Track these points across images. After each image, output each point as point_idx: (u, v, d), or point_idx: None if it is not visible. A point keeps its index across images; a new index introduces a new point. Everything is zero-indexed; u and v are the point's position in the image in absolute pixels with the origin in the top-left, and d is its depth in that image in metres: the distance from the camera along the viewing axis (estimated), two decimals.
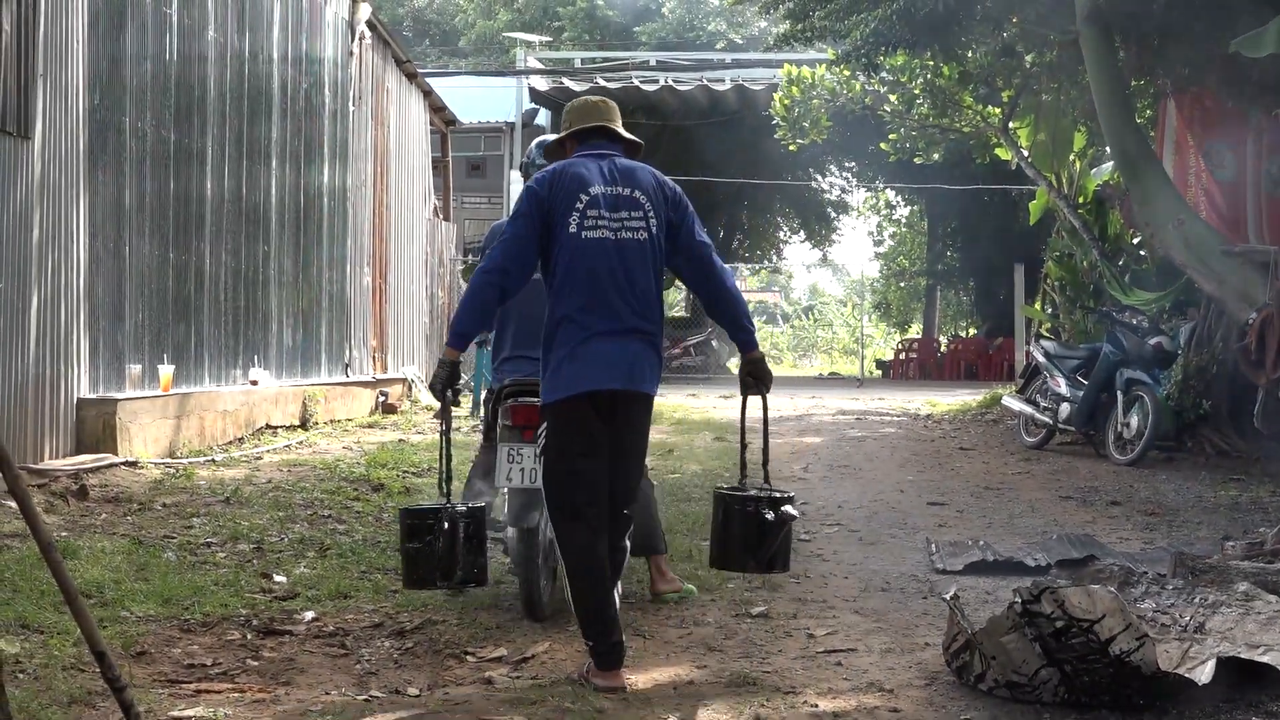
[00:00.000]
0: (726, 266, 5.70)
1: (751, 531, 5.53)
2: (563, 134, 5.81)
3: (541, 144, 6.83)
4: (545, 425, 5.49)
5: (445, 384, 5.46)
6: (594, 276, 5.34)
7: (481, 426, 6.83)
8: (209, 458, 11.15)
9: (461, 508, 5.47)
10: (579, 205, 5.37)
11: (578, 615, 5.34)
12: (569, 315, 5.36)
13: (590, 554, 5.32)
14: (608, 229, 5.37)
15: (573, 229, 5.35)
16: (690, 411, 18.93)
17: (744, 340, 5.69)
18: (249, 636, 5.82)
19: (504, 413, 6.25)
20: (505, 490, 6.25)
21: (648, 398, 5.50)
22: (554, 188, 5.42)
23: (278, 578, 6.98)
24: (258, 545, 7.82)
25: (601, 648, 5.20)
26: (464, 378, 18.70)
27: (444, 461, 5.56)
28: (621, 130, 5.76)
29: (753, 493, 5.62)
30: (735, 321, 5.65)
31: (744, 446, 5.77)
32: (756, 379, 5.73)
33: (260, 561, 7.41)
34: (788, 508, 5.54)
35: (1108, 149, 15.80)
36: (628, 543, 5.59)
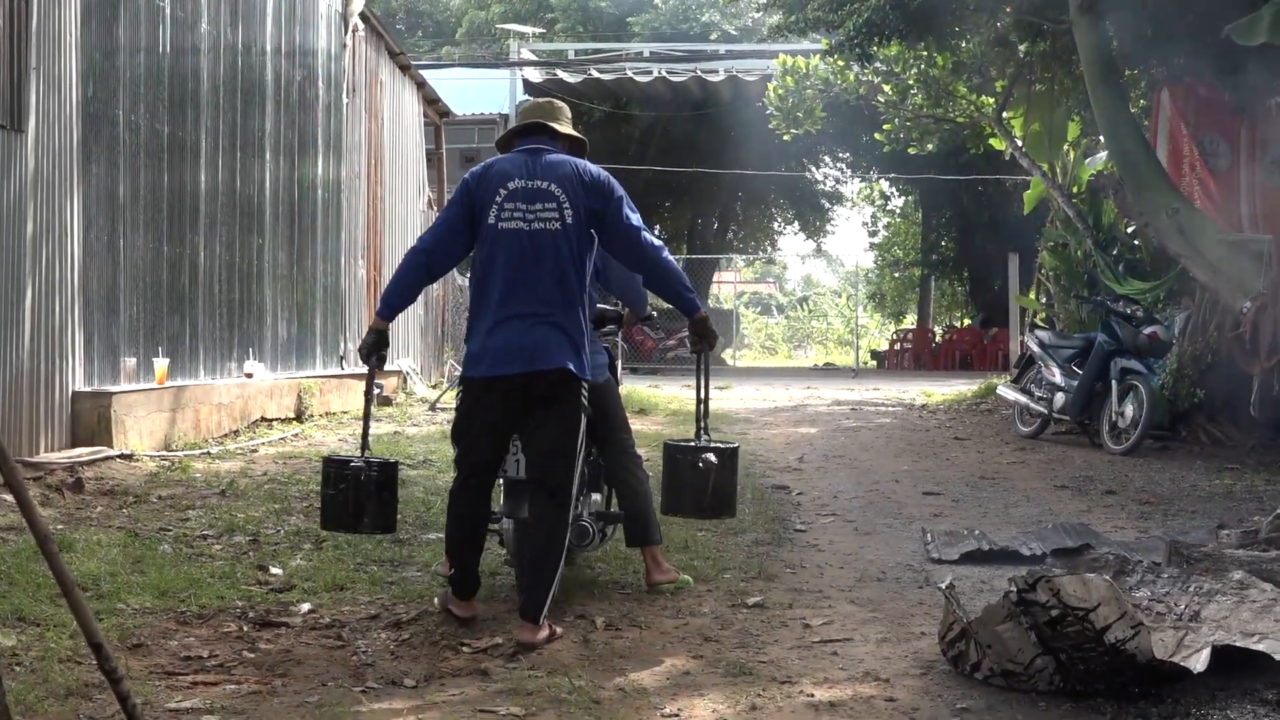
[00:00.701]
0: (658, 242, 6.05)
1: (692, 479, 6.11)
2: (507, 131, 6.29)
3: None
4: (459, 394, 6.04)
5: (371, 349, 5.99)
6: (506, 266, 5.77)
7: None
8: (204, 450, 11.14)
9: (375, 461, 5.97)
10: (499, 198, 5.81)
11: (446, 551, 6.11)
12: (484, 301, 5.83)
13: (467, 515, 5.96)
14: (521, 220, 5.77)
15: (491, 220, 5.80)
16: (685, 403, 18.89)
17: (685, 306, 6.09)
18: (245, 628, 5.82)
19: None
20: (501, 481, 6.26)
21: (561, 375, 5.78)
22: (481, 181, 5.89)
23: (274, 570, 6.99)
24: (254, 537, 7.82)
25: (457, 577, 5.97)
26: (458, 370, 18.73)
27: (366, 420, 6.20)
28: (559, 128, 6.14)
29: (693, 444, 6.19)
30: (673, 291, 6.04)
31: (700, 402, 6.29)
32: (701, 338, 6.18)
33: (256, 554, 7.41)
34: (709, 455, 6.07)
35: (1102, 139, 15.82)
36: (564, 518, 5.85)
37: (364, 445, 6.08)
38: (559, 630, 5.78)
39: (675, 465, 6.23)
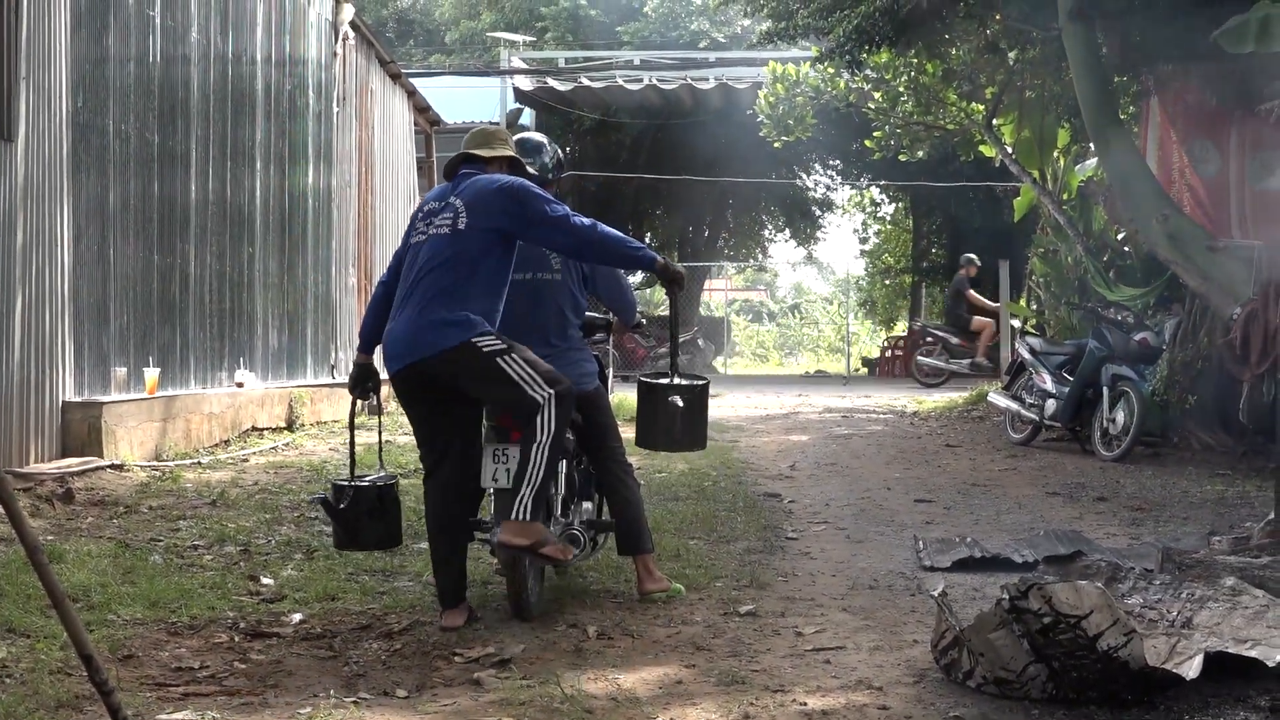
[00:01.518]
0: (587, 221, 6.13)
1: (664, 413, 6.42)
2: (450, 160, 6.60)
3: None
4: None
5: (355, 383, 6.54)
6: (406, 273, 6.21)
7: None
8: (195, 460, 11.13)
9: (376, 479, 6.42)
10: (417, 220, 6.31)
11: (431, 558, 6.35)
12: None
13: (440, 510, 6.26)
14: (422, 233, 6.22)
15: (412, 240, 6.30)
16: None
17: (640, 264, 6.35)
18: (236, 639, 5.81)
19: (489, 414, 6.34)
20: (491, 491, 6.26)
21: (447, 353, 5.99)
22: (417, 212, 6.39)
23: (265, 580, 6.98)
24: (245, 548, 7.81)
25: (440, 587, 6.21)
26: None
27: (352, 447, 6.74)
28: (483, 153, 6.44)
29: (663, 381, 6.50)
30: (622, 256, 6.28)
31: (673, 339, 6.56)
32: (668, 282, 6.42)
33: (247, 564, 7.40)
34: (675, 398, 6.38)
35: (1091, 145, 15.83)
36: (539, 428, 6.00)
37: (353, 473, 6.58)
38: (554, 545, 6.00)
39: (647, 400, 6.54)
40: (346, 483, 6.41)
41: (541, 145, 7.02)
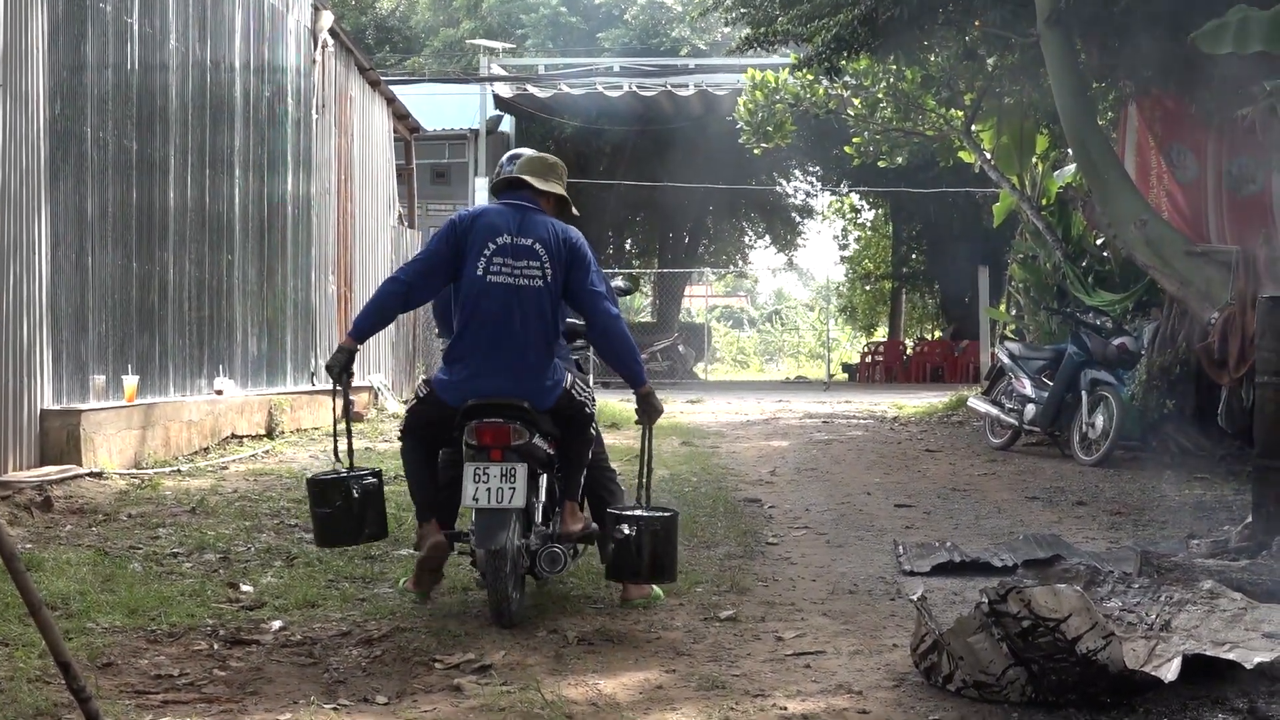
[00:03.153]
0: (615, 310, 6.53)
1: (628, 546, 6.17)
2: (501, 179, 6.78)
3: (513, 157, 7.15)
4: None
5: (341, 367, 6.37)
6: (486, 314, 6.33)
7: (408, 454, 6.86)
8: (174, 468, 11.10)
9: (359, 472, 6.47)
10: (488, 251, 6.34)
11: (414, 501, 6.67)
12: (467, 346, 6.40)
13: (415, 447, 6.66)
14: (509, 275, 6.33)
15: (480, 271, 6.33)
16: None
17: (631, 378, 6.54)
18: (216, 646, 5.79)
19: (470, 432, 6.29)
20: (473, 513, 6.26)
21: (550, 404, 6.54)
22: (471, 229, 6.39)
23: (244, 587, 6.95)
24: (224, 555, 7.79)
25: (421, 501, 6.56)
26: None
27: (345, 437, 6.58)
28: (542, 185, 6.61)
29: (630, 512, 6.28)
30: (622, 360, 6.52)
31: (643, 468, 6.47)
32: (643, 412, 6.60)
33: (227, 571, 7.38)
34: (623, 527, 6.16)
35: (1070, 151, 15.89)
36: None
37: (348, 458, 6.52)
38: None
39: (615, 530, 6.22)
40: (332, 475, 6.46)
41: (559, 165, 6.90)
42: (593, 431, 6.92)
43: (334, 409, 6.68)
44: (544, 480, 6.62)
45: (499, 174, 7.06)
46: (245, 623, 6.20)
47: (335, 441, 6.64)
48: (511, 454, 6.20)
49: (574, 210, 6.86)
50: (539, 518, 6.54)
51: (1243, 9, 10.52)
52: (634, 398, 6.62)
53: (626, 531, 6.16)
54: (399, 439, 6.81)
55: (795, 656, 5.71)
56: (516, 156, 7.04)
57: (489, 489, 6.12)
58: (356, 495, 6.37)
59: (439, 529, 6.45)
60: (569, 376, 6.59)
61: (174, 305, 12.50)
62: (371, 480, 6.45)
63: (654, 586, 6.85)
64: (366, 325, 6.48)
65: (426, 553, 6.43)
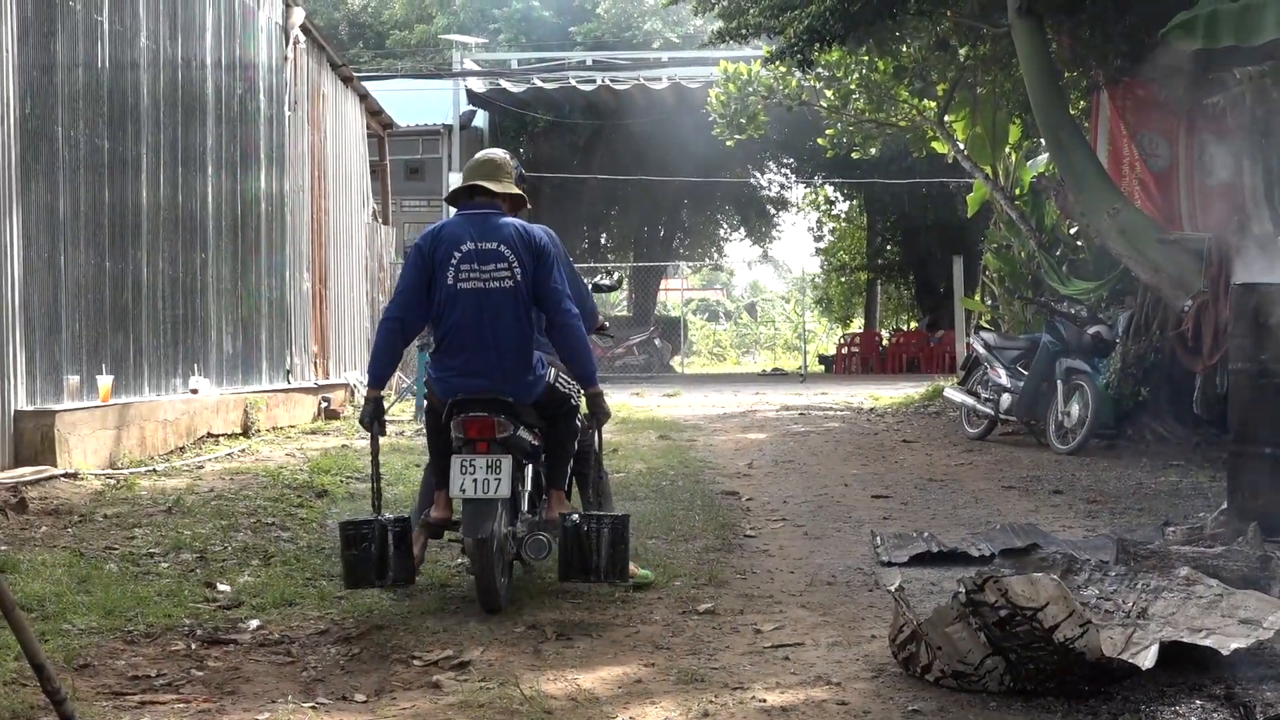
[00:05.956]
0: (575, 309, 6.69)
1: (583, 544, 6.39)
2: (454, 190, 7.01)
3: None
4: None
5: (371, 418, 6.66)
6: (461, 319, 6.56)
7: (427, 437, 7.03)
8: (150, 468, 11.05)
9: (389, 518, 6.47)
10: (454, 260, 6.56)
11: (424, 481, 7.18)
12: (449, 350, 6.65)
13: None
14: (479, 281, 6.54)
15: (450, 280, 6.56)
16: (634, 411, 18.94)
17: (582, 377, 6.74)
18: (193, 646, 5.76)
19: (457, 425, 6.47)
20: (461, 503, 6.46)
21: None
22: (434, 244, 6.63)
23: (221, 587, 6.93)
24: (201, 555, 7.76)
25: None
26: (405, 381, 18.67)
27: (375, 481, 6.77)
28: (496, 187, 6.82)
29: (585, 514, 6.52)
30: (574, 358, 6.67)
31: (595, 469, 6.96)
32: (592, 413, 6.79)
33: (204, 571, 7.35)
34: (542, 534, 6.51)
35: (1043, 141, 15.92)
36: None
37: (377, 507, 6.67)
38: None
39: (567, 535, 6.40)
40: (370, 518, 6.51)
41: (507, 162, 7.12)
42: (577, 423, 7.07)
43: (372, 459, 6.83)
44: (530, 470, 6.85)
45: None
46: (222, 622, 6.18)
47: (374, 487, 6.75)
48: (497, 446, 6.39)
49: (528, 205, 7.15)
50: (525, 506, 6.76)
51: (1212, 1, 10.54)
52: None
53: (545, 542, 6.49)
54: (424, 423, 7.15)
55: (774, 649, 5.71)
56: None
57: (475, 480, 6.33)
58: (389, 540, 6.42)
59: (448, 505, 6.79)
60: (552, 371, 6.77)
61: (148, 304, 12.45)
62: (395, 528, 6.47)
63: (643, 569, 7.05)
64: (381, 370, 6.81)
65: (438, 514, 6.84)
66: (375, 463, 6.80)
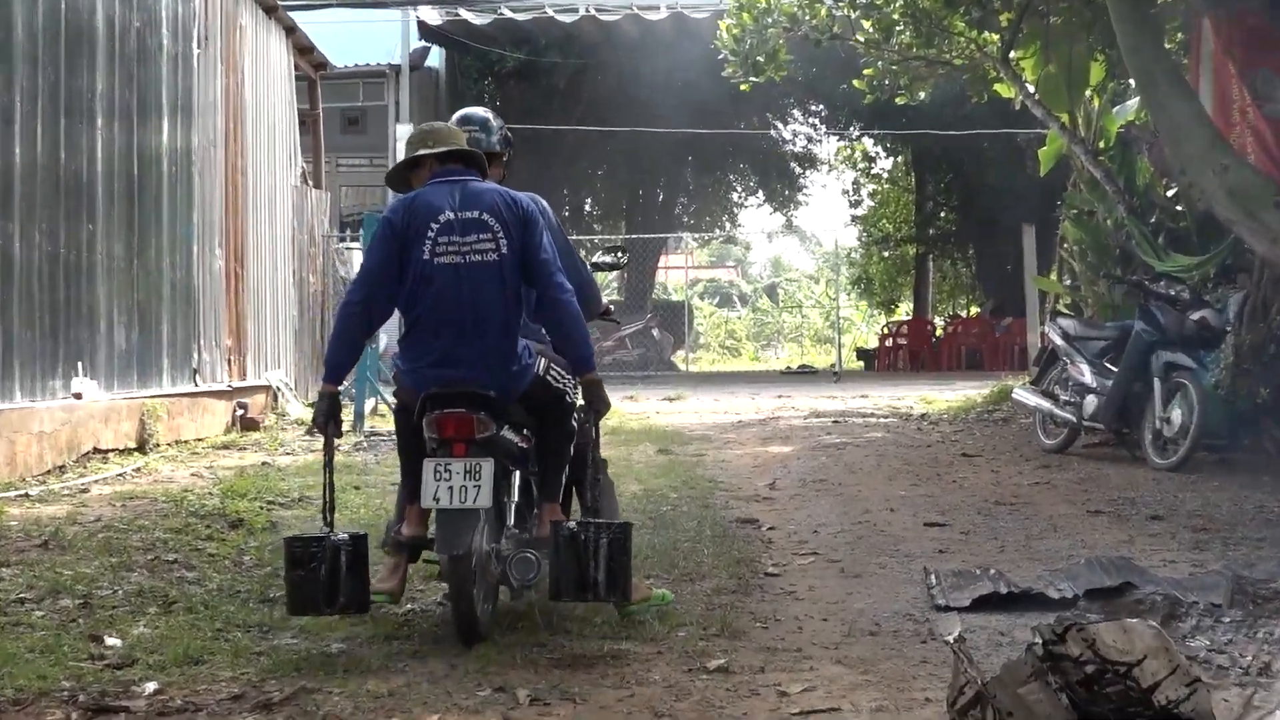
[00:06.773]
0: (569, 285, 6.96)
1: (578, 559, 6.57)
2: (398, 164, 7.34)
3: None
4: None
5: (326, 416, 6.84)
6: (438, 298, 6.81)
7: (397, 440, 7.37)
8: (21, 491, 11.04)
9: (343, 536, 6.63)
10: (431, 232, 6.81)
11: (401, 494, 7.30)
12: (422, 333, 6.91)
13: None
14: (457, 254, 6.80)
15: (426, 255, 6.80)
16: (627, 418, 18.94)
17: (577, 360, 7.01)
18: (75, 716, 5.72)
19: (430, 424, 6.66)
20: (433, 511, 6.64)
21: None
22: (408, 215, 6.87)
23: (110, 640, 6.88)
24: (85, 600, 7.72)
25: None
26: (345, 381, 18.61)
27: (328, 491, 6.87)
28: (464, 144, 7.17)
29: (582, 522, 6.75)
30: (568, 338, 6.94)
31: (594, 470, 7.08)
32: (589, 404, 7.02)
33: (88, 621, 7.31)
34: (530, 552, 6.71)
35: (1132, 82, 15.89)
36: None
37: (329, 522, 6.83)
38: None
39: (559, 545, 6.59)
40: (321, 534, 6.67)
41: (488, 120, 7.54)
42: (574, 423, 7.26)
43: (325, 464, 6.90)
44: (517, 478, 7.05)
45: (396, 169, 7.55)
46: (111, 685, 6.13)
47: (325, 498, 6.88)
48: (476, 448, 6.58)
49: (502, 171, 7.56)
50: (513, 520, 6.93)
51: None
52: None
53: (530, 555, 6.68)
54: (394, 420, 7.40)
55: (802, 715, 5.67)
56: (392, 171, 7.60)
57: (451, 487, 6.49)
58: (341, 561, 6.56)
59: (422, 519, 6.98)
60: (542, 361, 7.04)
61: (19, 287, 12.37)
62: (349, 546, 6.61)
63: (658, 589, 7.28)
64: (338, 362, 7.02)
65: (411, 531, 7.00)
66: (329, 471, 6.88)
